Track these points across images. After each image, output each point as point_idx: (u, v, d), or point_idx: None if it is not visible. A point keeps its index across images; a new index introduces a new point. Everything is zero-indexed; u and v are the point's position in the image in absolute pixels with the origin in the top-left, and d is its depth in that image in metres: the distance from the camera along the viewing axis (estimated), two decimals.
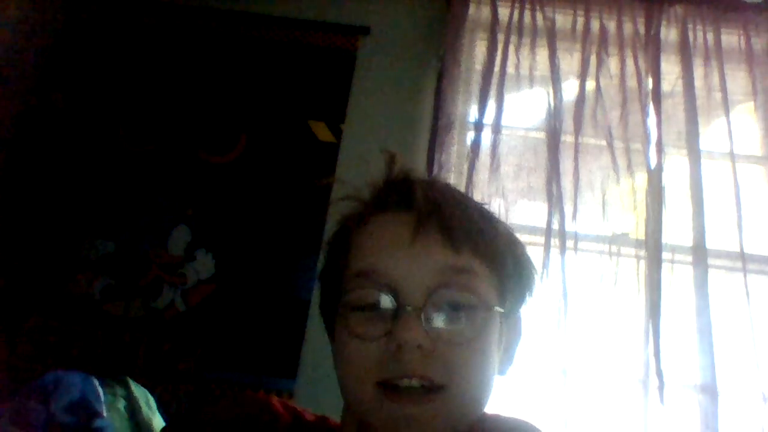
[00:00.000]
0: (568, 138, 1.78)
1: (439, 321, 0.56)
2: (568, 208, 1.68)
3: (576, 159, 1.74)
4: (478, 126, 1.79)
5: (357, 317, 0.57)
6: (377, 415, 0.55)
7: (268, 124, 1.84)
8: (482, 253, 0.59)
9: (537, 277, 0.67)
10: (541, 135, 1.79)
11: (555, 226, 1.67)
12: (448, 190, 0.64)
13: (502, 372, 0.63)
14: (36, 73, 1.88)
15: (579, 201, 1.69)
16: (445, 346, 0.55)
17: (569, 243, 1.64)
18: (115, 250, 1.69)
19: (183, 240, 1.72)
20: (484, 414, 0.63)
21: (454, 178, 1.71)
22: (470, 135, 1.80)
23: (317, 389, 1.37)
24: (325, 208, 1.71)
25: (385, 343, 0.55)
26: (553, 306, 1.58)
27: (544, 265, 1.62)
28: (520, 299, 0.65)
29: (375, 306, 0.57)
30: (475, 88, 1.84)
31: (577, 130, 1.78)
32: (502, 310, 0.60)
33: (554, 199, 1.69)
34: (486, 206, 0.67)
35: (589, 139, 1.78)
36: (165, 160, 1.79)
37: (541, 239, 1.65)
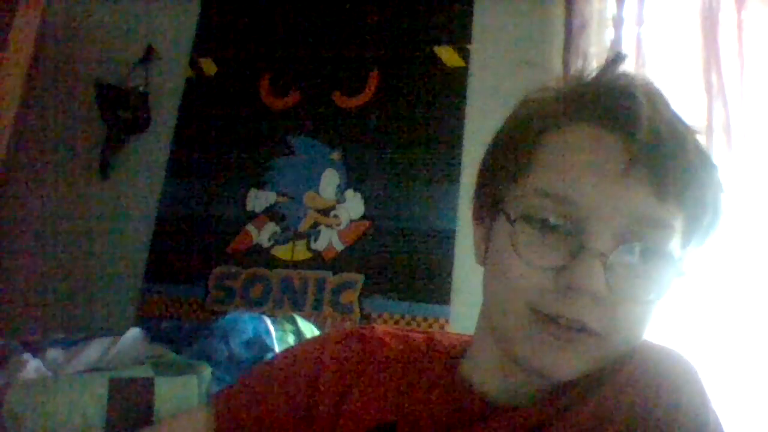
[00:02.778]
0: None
1: (621, 272, 0.50)
2: (733, 99, 1.48)
3: (740, 39, 1.52)
4: (618, 20, 1.62)
5: (528, 236, 0.52)
6: (524, 339, 0.52)
7: (397, 57, 1.85)
8: (686, 207, 0.52)
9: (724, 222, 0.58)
10: (695, 18, 1.58)
11: (718, 121, 1.48)
12: (672, 117, 0.53)
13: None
14: (188, 43, 2.06)
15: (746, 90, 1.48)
16: (621, 301, 0.50)
17: (736, 139, 1.46)
18: (276, 200, 1.85)
19: (333, 183, 1.83)
20: None
21: None
22: (610, 32, 1.64)
23: (472, 313, 1.41)
24: (461, 135, 1.71)
25: (555, 277, 0.50)
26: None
27: None
28: (700, 245, 0.57)
29: (553, 230, 0.51)
30: None
31: (740, 2, 1.54)
32: (686, 253, 0.55)
33: (715, 91, 1.50)
34: (701, 141, 0.56)
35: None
36: (307, 108, 1.89)
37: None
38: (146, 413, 0.79)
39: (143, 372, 0.84)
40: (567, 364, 0.52)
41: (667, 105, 0.54)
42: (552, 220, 0.51)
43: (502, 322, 0.54)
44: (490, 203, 0.58)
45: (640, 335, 0.54)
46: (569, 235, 0.51)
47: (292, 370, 0.67)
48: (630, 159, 0.50)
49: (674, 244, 0.52)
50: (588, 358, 0.52)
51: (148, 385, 0.82)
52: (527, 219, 0.52)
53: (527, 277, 0.51)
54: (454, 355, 0.65)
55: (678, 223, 0.52)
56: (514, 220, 0.53)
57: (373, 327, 0.70)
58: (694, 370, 0.57)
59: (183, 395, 0.84)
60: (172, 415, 0.81)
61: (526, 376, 0.56)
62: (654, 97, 0.54)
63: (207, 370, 0.89)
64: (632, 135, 0.50)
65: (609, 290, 0.50)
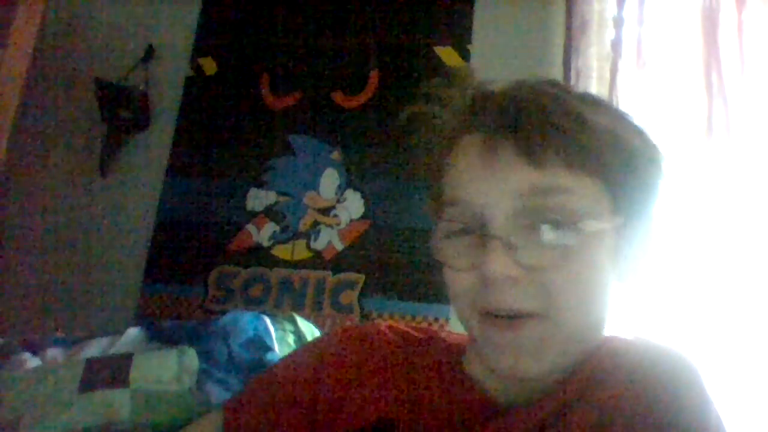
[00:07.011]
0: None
1: (527, 247, 0.51)
2: (733, 99, 1.48)
3: (740, 39, 1.52)
4: (618, 21, 1.62)
5: (449, 246, 0.56)
6: (481, 342, 0.55)
7: (397, 57, 1.85)
8: (574, 163, 0.51)
9: (665, 171, 0.57)
10: (695, 19, 1.58)
11: (718, 121, 1.48)
12: (534, 94, 0.54)
13: (623, 280, 0.57)
14: (188, 43, 2.06)
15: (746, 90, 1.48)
16: (539, 273, 0.51)
17: (736, 139, 1.46)
18: (276, 200, 1.85)
19: (333, 183, 1.83)
20: (614, 338, 0.61)
21: (595, 84, 1.58)
22: (610, 33, 1.64)
23: None
24: None
25: (477, 275, 0.53)
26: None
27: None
28: (642, 202, 0.56)
29: (467, 233, 0.55)
30: None
31: (740, 3, 1.54)
32: (620, 219, 0.54)
33: (715, 91, 1.49)
34: (591, 96, 0.58)
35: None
36: (307, 107, 1.89)
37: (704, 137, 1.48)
38: (122, 379, 0.81)
39: (125, 350, 0.87)
40: (529, 360, 0.53)
41: (532, 86, 0.55)
42: (460, 224, 0.55)
43: (469, 333, 0.58)
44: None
45: (586, 304, 0.54)
46: (476, 235, 0.54)
47: (295, 373, 0.67)
48: (487, 145, 0.53)
49: (579, 203, 0.52)
50: (545, 346, 0.53)
51: (126, 358, 0.85)
52: (447, 233, 0.56)
53: (461, 283, 0.54)
54: (457, 351, 0.65)
55: (579, 185, 0.52)
56: (441, 241, 0.56)
57: (376, 323, 0.71)
58: (696, 369, 0.57)
59: (160, 364, 0.86)
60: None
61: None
62: (514, 87, 0.55)
63: (190, 350, 0.91)
64: (482, 124, 0.54)
65: (520, 268, 0.51)
